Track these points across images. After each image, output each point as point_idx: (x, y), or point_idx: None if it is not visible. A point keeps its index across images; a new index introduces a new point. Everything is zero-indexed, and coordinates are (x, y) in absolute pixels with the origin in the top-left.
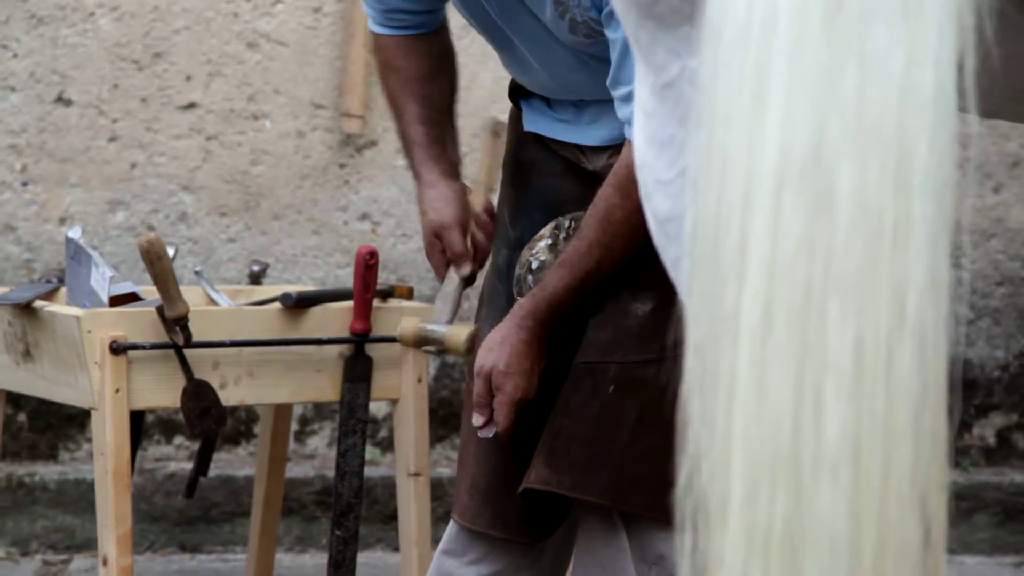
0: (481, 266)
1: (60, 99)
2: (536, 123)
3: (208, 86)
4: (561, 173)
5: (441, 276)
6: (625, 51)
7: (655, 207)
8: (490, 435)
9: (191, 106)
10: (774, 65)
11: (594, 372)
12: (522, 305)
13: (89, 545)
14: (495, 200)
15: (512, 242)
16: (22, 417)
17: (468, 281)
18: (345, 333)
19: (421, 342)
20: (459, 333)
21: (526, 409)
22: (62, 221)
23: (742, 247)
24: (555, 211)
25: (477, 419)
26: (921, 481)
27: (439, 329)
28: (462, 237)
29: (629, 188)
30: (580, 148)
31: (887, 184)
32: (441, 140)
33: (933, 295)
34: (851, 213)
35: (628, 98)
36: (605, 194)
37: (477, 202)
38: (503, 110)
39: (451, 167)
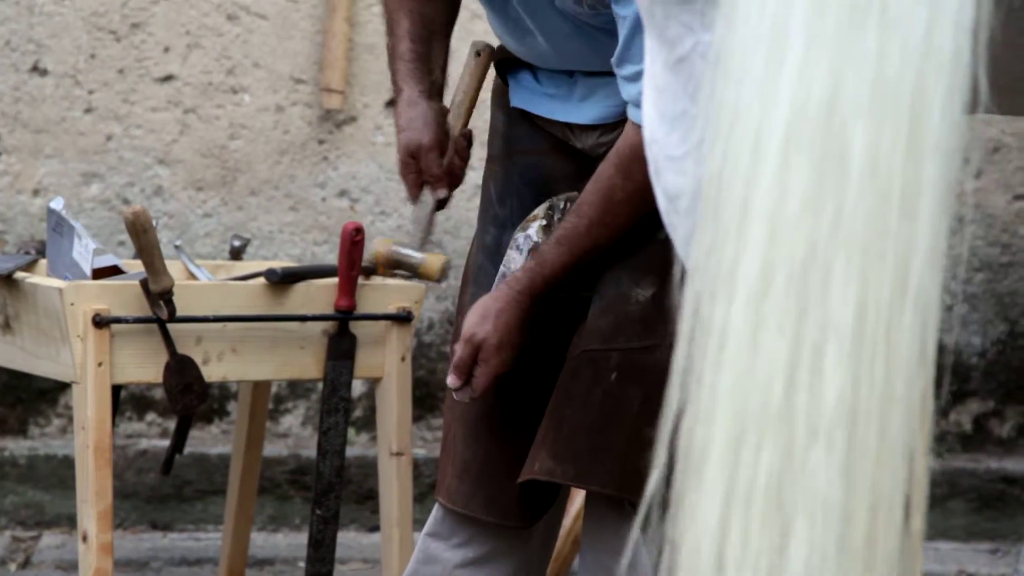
0: (453, 190)
1: (35, 68)
2: (523, 99)
3: (186, 58)
4: (549, 151)
5: (414, 196)
6: (635, 29)
7: (665, 183)
8: (465, 399)
9: (169, 78)
10: (793, 20)
11: (596, 360)
12: (519, 279)
13: (59, 521)
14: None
15: (500, 221)
16: None
17: (441, 204)
18: (329, 310)
19: (394, 264)
20: (434, 261)
21: (517, 393)
22: (36, 193)
23: (746, 201)
24: (543, 190)
25: (453, 381)
26: (909, 448)
27: (414, 255)
28: (439, 159)
29: (631, 169)
30: (569, 126)
31: (899, 147)
32: (427, 58)
33: (934, 265)
34: (861, 174)
35: (635, 77)
36: (607, 173)
37: (456, 125)
38: (486, 85)
39: (433, 87)
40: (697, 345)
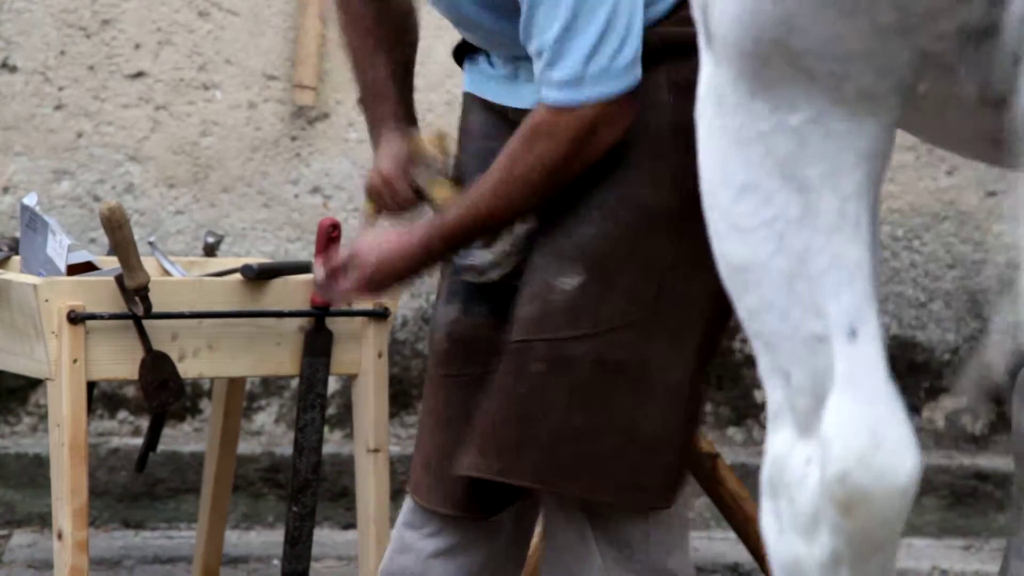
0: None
1: (5, 65)
2: (475, 83)
3: (157, 55)
4: (499, 138)
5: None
6: (535, 4)
7: (728, 252)
8: (326, 297)
9: (139, 75)
10: None
11: (521, 352)
12: (415, 229)
13: (30, 520)
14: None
15: None
16: None
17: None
18: (306, 306)
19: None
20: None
21: (478, 387)
22: (5, 190)
23: None
24: None
25: (318, 271)
26: None
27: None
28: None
29: (533, 145)
30: (517, 111)
31: None
32: (405, 95)
33: None
34: None
35: (539, 55)
36: (511, 145)
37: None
38: (459, 84)
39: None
40: None
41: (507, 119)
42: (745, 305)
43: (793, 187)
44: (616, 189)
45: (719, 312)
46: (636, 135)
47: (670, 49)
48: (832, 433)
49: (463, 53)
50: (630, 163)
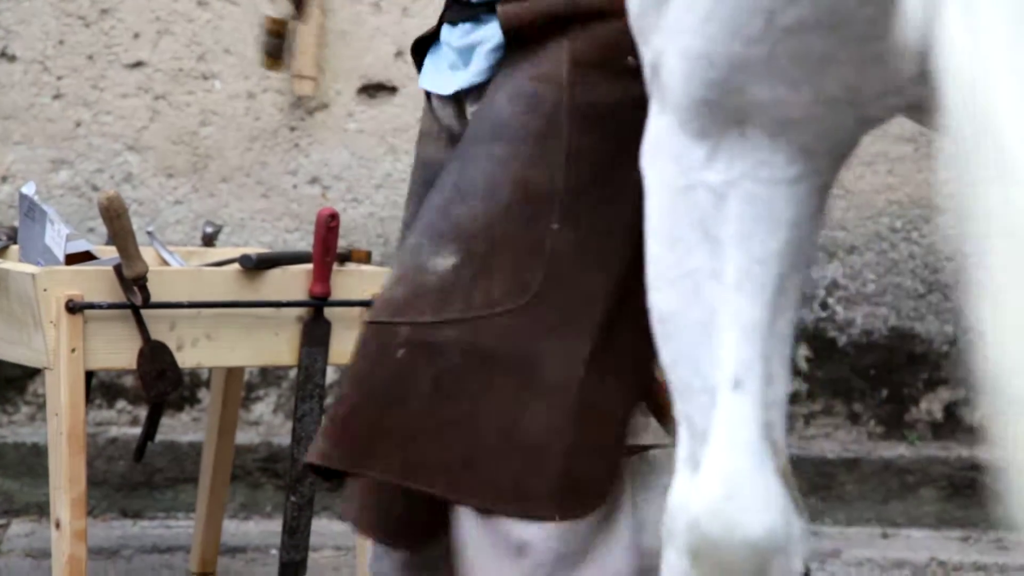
0: None
1: (3, 55)
2: (428, 77)
3: (156, 44)
4: (447, 144)
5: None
6: None
7: (656, 302)
8: None
9: (138, 64)
10: None
11: (382, 334)
12: None
13: (28, 510)
14: None
15: (407, 223)
16: None
17: None
18: (304, 296)
19: None
20: None
21: None
22: (3, 179)
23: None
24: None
25: None
26: None
27: None
28: None
29: None
30: (460, 102)
31: None
32: None
33: None
34: None
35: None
36: None
37: None
38: None
39: None
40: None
41: (447, 125)
42: (666, 355)
43: (708, 243)
44: (500, 167)
45: (632, 315)
46: (528, 111)
47: (577, 18)
48: (697, 481)
49: (422, 52)
50: (519, 140)
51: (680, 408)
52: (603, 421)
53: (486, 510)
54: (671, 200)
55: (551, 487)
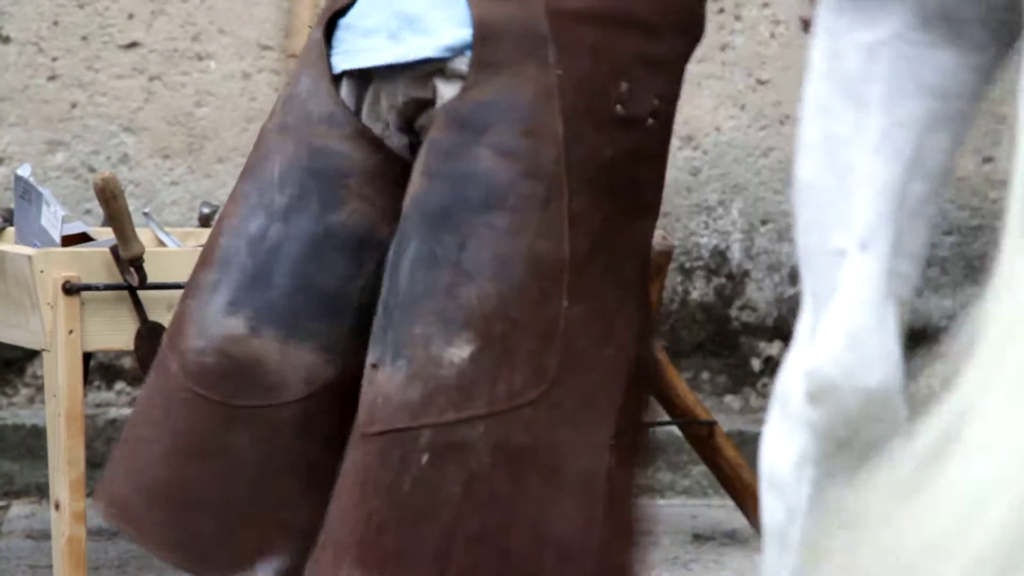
0: None
1: None
2: (346, 54)
3: (151, 25)
4: (350, 136)
5: None
6: None
7: (797, 171)
8: None
9: (133, 45)
10: None
11: (404, 441)
12: None
13: (28, 491)
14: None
15: (274, 210)
16: None
17: None
18: None
19: None
20: None
21: (241, 424)
22: (0, 161)
23: None
24: (332, 184)
25: None
26: None
27: None
28: None
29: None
30: (383, 84)
31: None
32: None
33: None
34: None
35: None
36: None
37: None
38: None
39: None
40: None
41: (358, 118)
42: (800, 223)
43: (852, 105)
44: (507, 241)
45: (637, 390)
46: (528, 175)
47: (562, 37)
48: (818, 334)
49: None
50: (522, 208)
51: (807, 282)
52: (631, 506)
53: None
54: (823, 69)
55: None
